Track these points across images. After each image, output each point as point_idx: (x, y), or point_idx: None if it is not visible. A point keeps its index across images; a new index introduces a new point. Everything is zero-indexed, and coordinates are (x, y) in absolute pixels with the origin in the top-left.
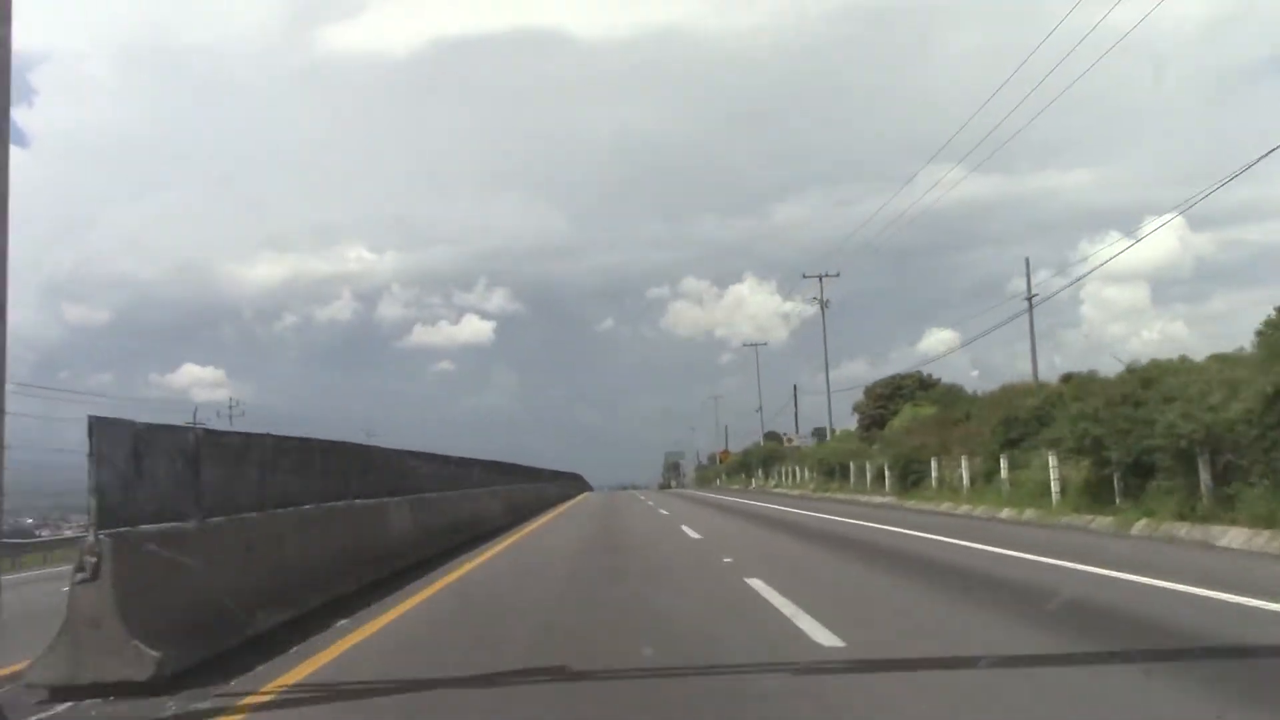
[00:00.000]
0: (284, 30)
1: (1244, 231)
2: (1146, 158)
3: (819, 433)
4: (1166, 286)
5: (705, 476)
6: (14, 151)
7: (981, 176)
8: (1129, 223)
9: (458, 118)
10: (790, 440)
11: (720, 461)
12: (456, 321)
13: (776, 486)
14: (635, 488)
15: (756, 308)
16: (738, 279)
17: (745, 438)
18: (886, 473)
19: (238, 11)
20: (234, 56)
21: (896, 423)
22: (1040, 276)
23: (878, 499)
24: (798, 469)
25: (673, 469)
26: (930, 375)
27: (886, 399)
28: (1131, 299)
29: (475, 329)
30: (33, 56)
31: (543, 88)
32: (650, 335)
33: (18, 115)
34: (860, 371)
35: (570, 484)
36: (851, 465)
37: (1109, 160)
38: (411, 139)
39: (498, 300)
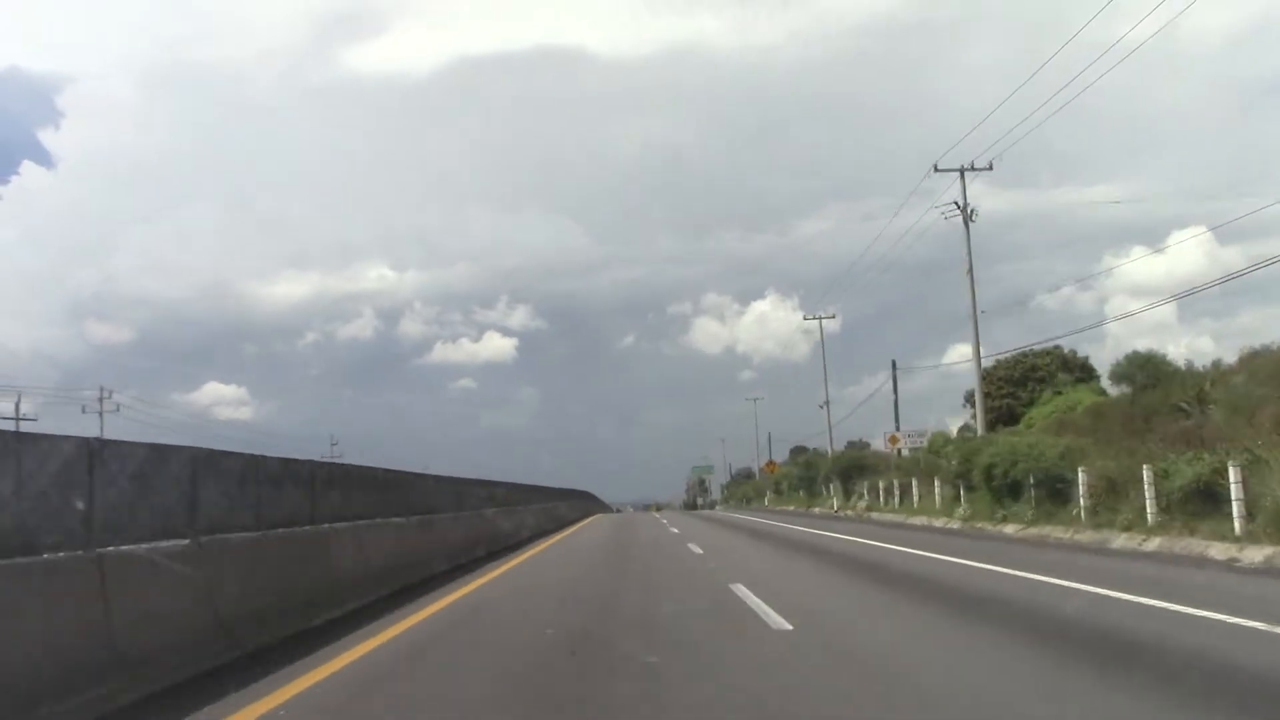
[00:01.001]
0: (307, 49)
1: (1274, 245)
2: (1170, 171)
3: (797, 452)
4: (1193, 300)
5: (742, 494)
6: (39, 173)
7: (1004, 191)
8: (1153, 238)
9: (479, 136)
10: (896, 441)
11: (768, 473)
12: (478, 339)
13: (870, 510)
14: (659, 507)
15: (778, 323)
16: (759, 295)
17: (778, 453)
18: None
19: (260, 31)
20: (257, 76)
21: (1039, 413)
22: (1064, 292)
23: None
24: (904, 485)
25: (698, 486)
26: (1074, 351)
27: (1017, 384)
28: (1157, 313)
29: (497, 346)
30: (59, 79)
31: (564, 105)
32: (671, 352)
33: (44, 138)
34: (881, 384)
35: (577, 505)
36: (1082, 475)
37: (1132, 174)
38: (433, 157)
39: (520, 317)
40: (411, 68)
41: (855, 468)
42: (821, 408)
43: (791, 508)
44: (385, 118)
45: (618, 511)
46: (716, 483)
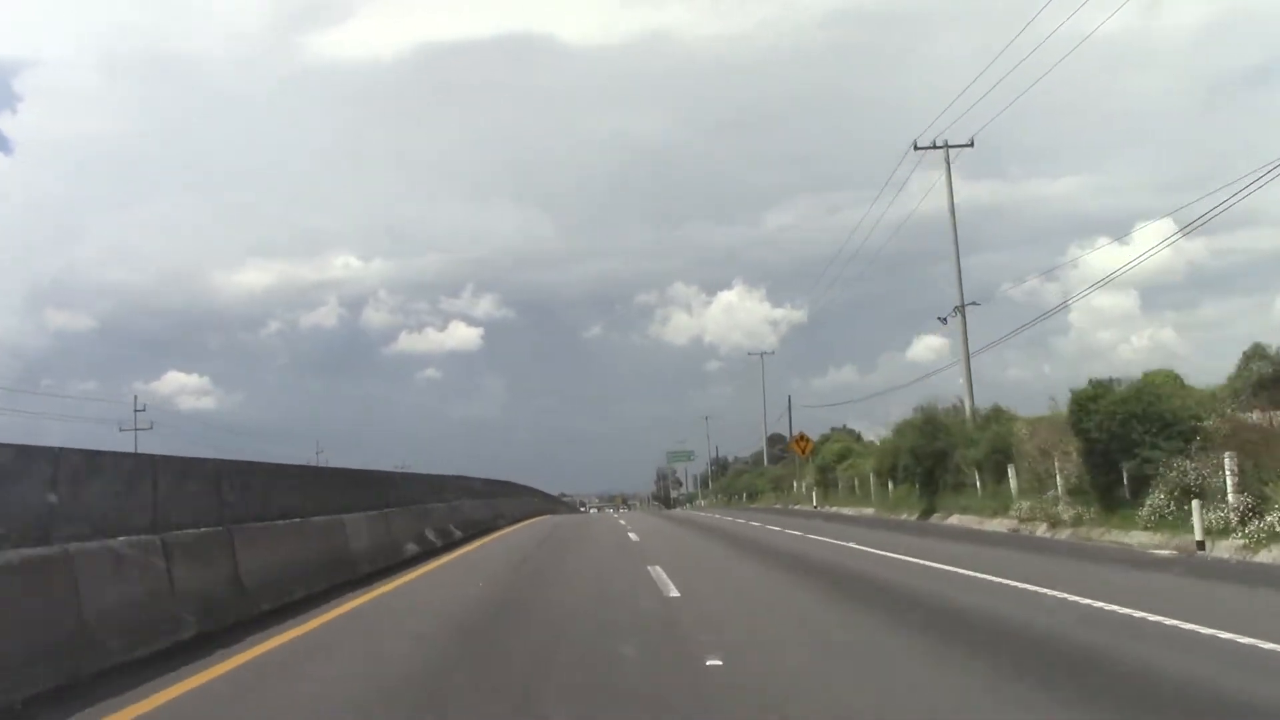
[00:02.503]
0: (270, 37)
1: (1237, 239)
2: (1138, 164)
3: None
4: (1157, 293)
5: (731, 486)
6: None
7: (973, 183)
8: (1119, 229)
9: (446, 124)
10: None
11: (797, 454)
12: (444, 328)
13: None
14: (624, 501)
15: (745, 314)
16: (727, 285)
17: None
18: None
19: (223, 18)
20: (220, 63)
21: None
22: (1030, 284)
23: None
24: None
25: (671, 478)
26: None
27: None
28: (1121, 306)
29: (463, 335)
30: (18, 62)
31: (532, 93)
32: (639, 342)
33: (1, 122)
34: (849, 378)
35: (510, 503)
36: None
37: (1100, 166)
38: (399, 145)
39: (485, 307)
40: (377, 54)
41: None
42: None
43: (808, 507)
44: (352, 106)
45: (584, 510)
46: (688, 473)
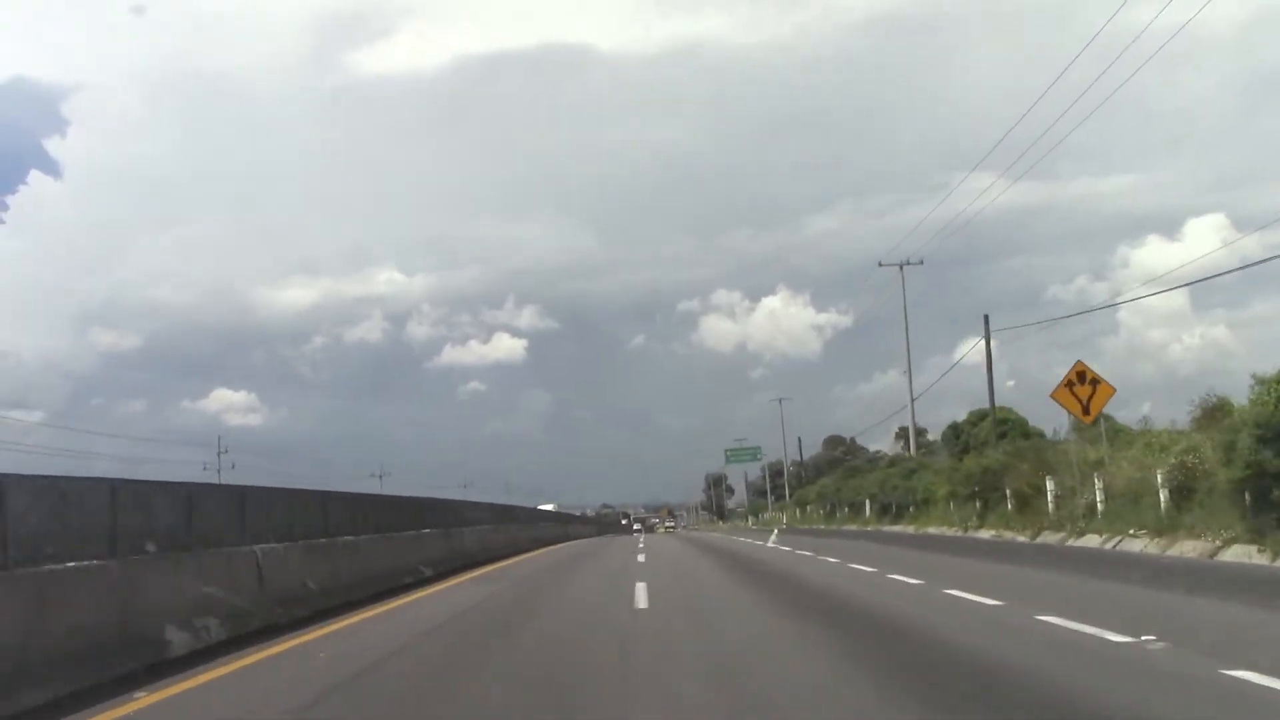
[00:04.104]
0: (310, 54)
1: None
2: (1186, 161)
3: (833, 443)
4: (1207, 291)
5: (838, 493)
6: (47, 182)
7: (1018, 184)
8: (1169, 227)
9: (485, 136)
10: None
11: (1071, 407)
12: (487, 340)
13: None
14: (673, 515)
15: (789, 320)
16: (770, 292)
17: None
18: None
19: (264, 37)
20: (261, 82)
21: None
22: (1079, 283)
23: None
24: None
25: (721, 485)
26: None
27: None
28: (1171, 305)
29: (507, 347)
30: (65, 88)
31: (571, 104)
32: (682, 351)
33: (50, 146)
34: (894, 380)
35: (513, 530)
36: None
37: (1148, 165)
38: (439, 159)
39: (528, 318)
40: (415, 69)
41: None
42: None
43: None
44: (391, 120)
45: (636, 530)
46: (746, 477)
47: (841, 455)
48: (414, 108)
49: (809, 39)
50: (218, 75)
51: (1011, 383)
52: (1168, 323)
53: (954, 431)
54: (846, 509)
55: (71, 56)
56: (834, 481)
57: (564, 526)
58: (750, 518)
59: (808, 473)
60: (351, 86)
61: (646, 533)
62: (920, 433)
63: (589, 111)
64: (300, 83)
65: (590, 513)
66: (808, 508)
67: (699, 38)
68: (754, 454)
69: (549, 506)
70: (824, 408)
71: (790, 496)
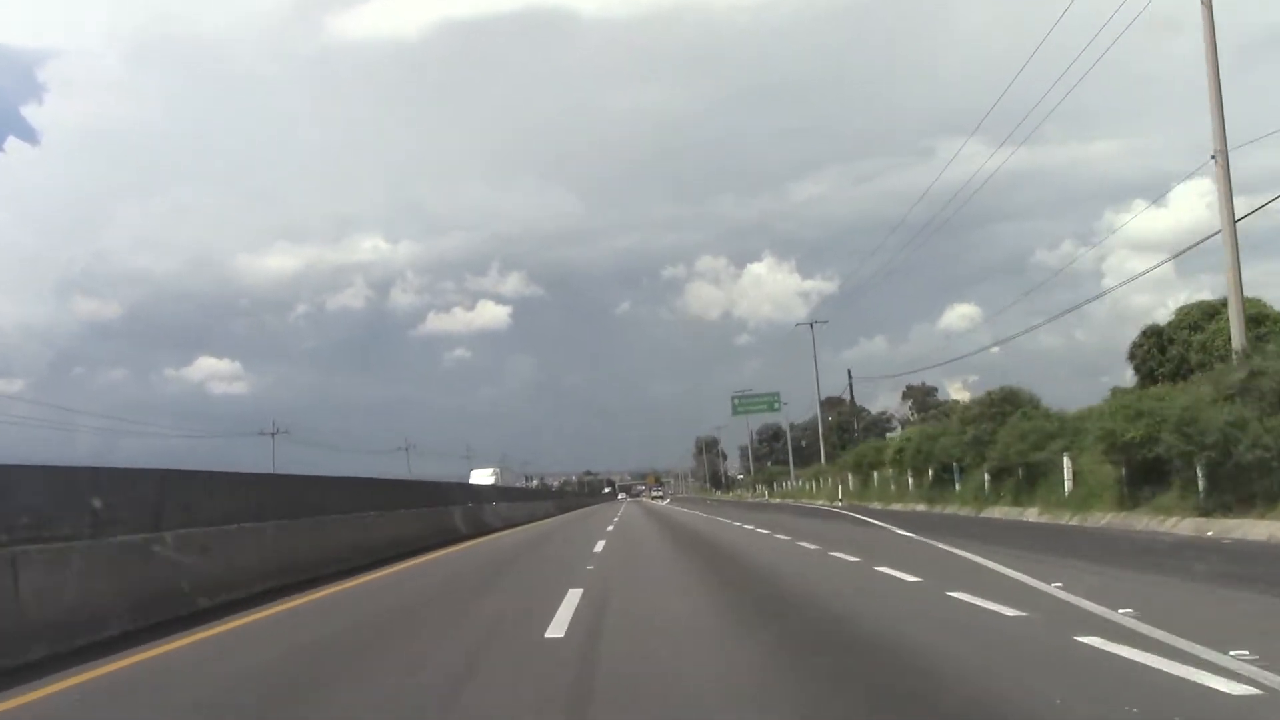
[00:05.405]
0: (292, 17)
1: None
2: (1170, 127)
3: (830, 404)
4: (1192, 256)
5: (856, 463)
6: (23, 148)
7: (1003, 150)
8: (1154, 192)
9: (469, 102)
10: None
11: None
12: (472, 307)
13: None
14: (660, 484)
15: (774, 286)
16: (756, 258)
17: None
18: None
19: (245, 0)
20: (243, 46)
21: None
22: (1064, 249)
23: None
24: None
25: (715, 450)
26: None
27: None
28: (1156, 270)
29: (492, 314)
30: (41, 54)
31: (554, 69)
32: (668, 317)
33: (27, 113)
34: (879, 349)
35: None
36: None
37: (1133, 130)
38: (423, 124)
39: (513, 284)
40: (398, 33)
41: None
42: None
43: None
44: (375, 85)
45: (623, 496)
46: (752, 437)
47: (843, 416)
48: (397, 72)
49: (795, 2)
50: (198, 40)
51: (996, 349)
52: (1153, 288)
53: (1157, 339)
54: (959, 474)
55: (48, 21)
56: (922, 436)
57: (477, 511)
58: (761, 488)
59: (809, 438)
60: (334, 50)
61: (632, 500)
62: (929, 392)
63: (573, 76)
64: (282, 47)
65: (574, 479)
66: (876, 474)
67: (684, 1)
68: (770, 402)
69: (486, 473)
70: (810, 374)
71: (829, 459)
